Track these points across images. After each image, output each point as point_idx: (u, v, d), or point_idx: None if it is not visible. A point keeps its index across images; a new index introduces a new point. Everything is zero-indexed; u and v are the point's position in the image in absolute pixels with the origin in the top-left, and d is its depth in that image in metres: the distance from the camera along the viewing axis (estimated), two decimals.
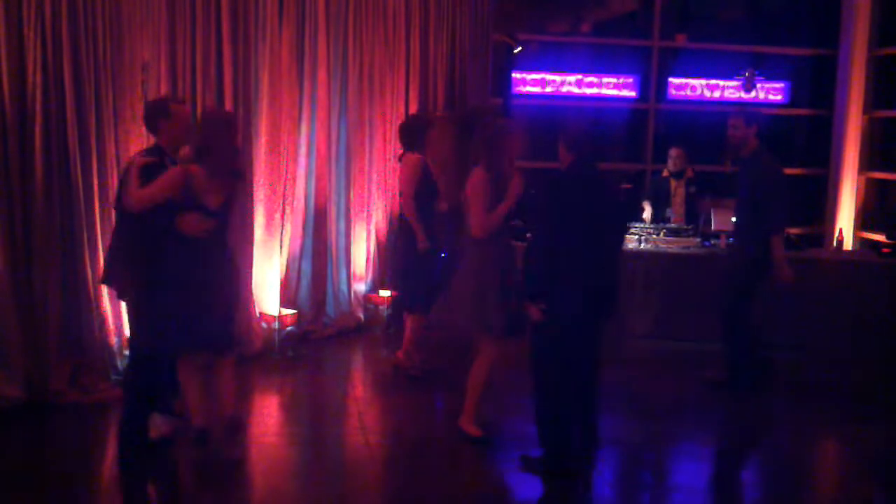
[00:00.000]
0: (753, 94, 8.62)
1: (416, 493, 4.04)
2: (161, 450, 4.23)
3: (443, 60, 7.07)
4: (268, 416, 5.08)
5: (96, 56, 4.94)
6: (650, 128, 8.60)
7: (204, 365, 4.20)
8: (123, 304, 4.68)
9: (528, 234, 4.19)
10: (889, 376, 5.95)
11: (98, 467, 4.16)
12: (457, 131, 6.74)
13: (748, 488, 4.47)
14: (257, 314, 6.00)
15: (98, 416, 4.69)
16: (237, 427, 4.34)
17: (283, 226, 6.23)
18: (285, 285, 6.35)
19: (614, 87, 8.46)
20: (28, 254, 4.80)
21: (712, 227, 6.84)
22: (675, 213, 7.18)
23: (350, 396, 5.41)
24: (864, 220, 8.56)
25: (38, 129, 4.76)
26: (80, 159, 4.89)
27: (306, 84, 6.34)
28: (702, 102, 8.68)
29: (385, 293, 6.81)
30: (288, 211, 6.27)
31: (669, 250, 6.72)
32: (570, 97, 8.38)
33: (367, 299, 6.93)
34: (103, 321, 5.06)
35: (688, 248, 6.75)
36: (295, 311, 6.29)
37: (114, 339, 5.09)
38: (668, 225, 7.00)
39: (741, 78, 8.58)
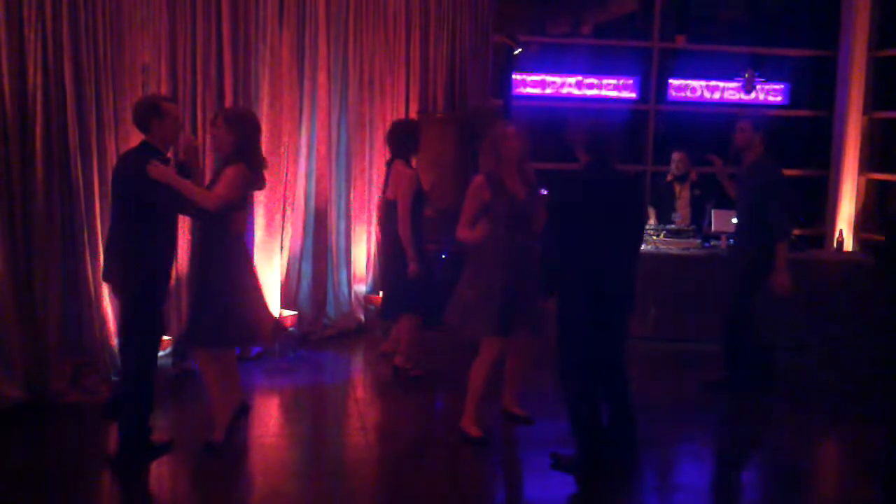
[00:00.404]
0: (753, 95, 8.61)
1: (416, 492, 4.04)
2: (161, 453, 4.23)
3: (443, 62, 7.07)
4: (268, 417, 5.08)
5: (97, 56, 4.95)
6: (650, 129, 8.59)
7: (212, 357, 4.25)
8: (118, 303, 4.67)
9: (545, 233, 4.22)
10: (889, 376, 5.93)
11: (98, 467, 4.15)
12: (455, 132, 6.74)
13: (748, 488, 4.46)
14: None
15: (98, 417, 4.68)
16: (247, 411, 4.54)
17: (283, 227, 6.24)
18: (286, 286, 6.36)
19: (614, 89, 8.46)
20: (28, 254, 4.81)
21: (712, 229, 6.84)
22: (681, 215, 7.20)
23: (350, 397, 5.41)
24: (864, 221, 8.56)
25: (38, 130, 4.77)
26: (81, 159, 4.90)
27: (307, 85, 6.35)
28: (702, 104, 8.67)
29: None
30: (288, 212, 6.27)
31: (670, 251, 6.72)
32: (570, 98, 8.37)
33: (368, 300, 6.93)
34: (104, 321, 5.07)
35: (688, 249, 6.76)
36: (295, 312, 6.29)
37: (115, 340, 5.09)
38: (668, 226, 7.01)
39: (741, 79, 8.57)
